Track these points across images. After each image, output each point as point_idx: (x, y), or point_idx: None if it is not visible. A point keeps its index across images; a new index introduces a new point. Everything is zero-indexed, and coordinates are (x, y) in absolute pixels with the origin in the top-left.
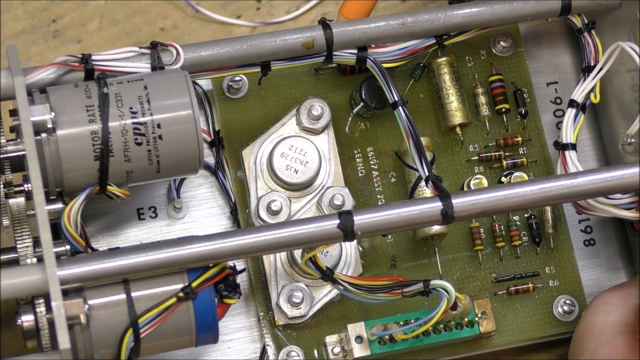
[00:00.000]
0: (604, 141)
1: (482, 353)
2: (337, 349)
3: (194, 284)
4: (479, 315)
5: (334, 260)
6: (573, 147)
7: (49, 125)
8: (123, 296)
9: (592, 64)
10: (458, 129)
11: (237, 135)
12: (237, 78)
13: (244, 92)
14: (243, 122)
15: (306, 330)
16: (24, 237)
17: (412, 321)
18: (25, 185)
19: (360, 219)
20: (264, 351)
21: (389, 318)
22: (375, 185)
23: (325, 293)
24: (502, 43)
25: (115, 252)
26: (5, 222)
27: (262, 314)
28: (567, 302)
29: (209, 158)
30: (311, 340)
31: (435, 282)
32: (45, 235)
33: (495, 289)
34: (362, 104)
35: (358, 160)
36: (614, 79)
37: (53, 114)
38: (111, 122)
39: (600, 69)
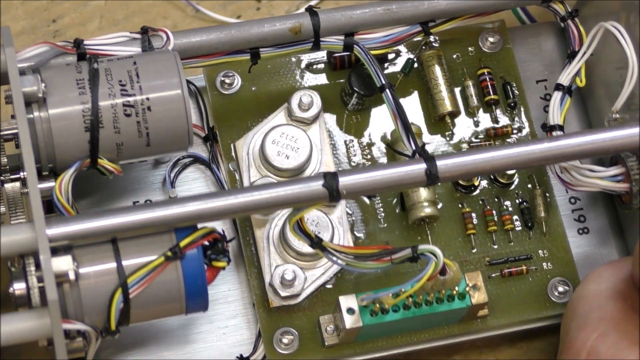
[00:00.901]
0: (592, 125)
1: (478, 338)
2: (330, 328)
3: (181, 244)
4: (470, 286)
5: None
6: (560, 128)
7: (40, 95)
8: (112, 256)
9: (577, 49)
10: (448, 119)
11: (230, 129)
12: (229, 74)
13: (236, 88)
14: (236, 116)
15: (300, 313)
16: (18, 218)
17: (403, 291)
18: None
19: (345, 180)
20: (259, 335)
21: (380, 290)
22: None
23: (318, 275)
24: (490, 39)
25: (103, 211)
26: (2, 208)
27: (255, 297)
28: (562, 282)
29: (204, 153)
30: (305, 322)
31: (423, 247)
32: (34, 191)
33: (489, 271)
34: (355, 94)
35: (350, 150)
36: (599, 65)
37: (44, 85)
38: (101, 94)
39: (585, 52)
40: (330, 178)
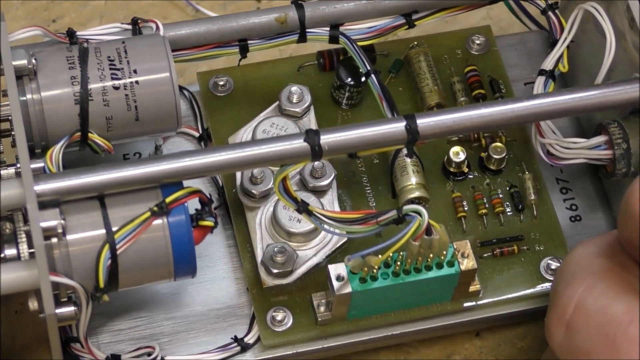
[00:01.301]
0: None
1: (473, 320)
2: (322, 307)
3: (167, 200)
4: (458, 252)
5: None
6: None
7: (29, 67)
8: (99, 212)
9: (558, 37)
10: (436, 110)
11: (223, 129)
12: (223, 77)
13: (229, 90)
14: (229, 117)
15: (293, 294)
16: None
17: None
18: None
19: (327, 137)
20: (253, 317)
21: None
22: (359, 165)
23: (310, 256)
24: (476, 42)
25: (90, 168)
26: None
27: (248, 279)
28: (555, 259)
29: None
30: (298, 302)
31: (408, 207)
32: (22, 146)
33: (481, 252)
34: (344, 87)
35: None
36: (581, 54)
37: (35, 60)
38: (90, 69)
39: (566, 38)
40: (312, 134)
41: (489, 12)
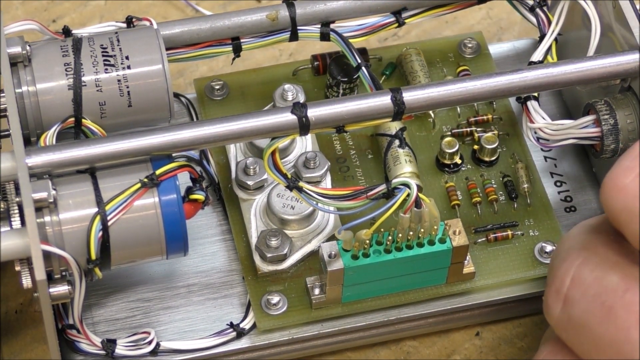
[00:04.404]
0: (568, 106)
1: (468, 305)
2: (317, 289)
3: (157, 172)
4: (449, 230)
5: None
6: (535, 98)
7: (23, 53)
8: (90, 184)
9: (546, 31)
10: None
11: None
12: (219, 82)
13: (225, 94)
14: None
15: (288, 280)
16: None
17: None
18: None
19: (314, 110)
20: (249, 305)
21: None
22: (353, 160)
23: (304, 243)
24: (468, 45)
25: (81, 141)
26: None
27: (243, 267)
28: (548, 242)
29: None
30: (293, 287)
31: (396, 180)
32: (14, 120)
33: (475, 238)
34: (337, 83)
35: (335, 143)
36: (568, 45)
37: (28, 48)
38: (83, 55)
39: (554, 30)
40: (299, 107)
41: (489, 12)
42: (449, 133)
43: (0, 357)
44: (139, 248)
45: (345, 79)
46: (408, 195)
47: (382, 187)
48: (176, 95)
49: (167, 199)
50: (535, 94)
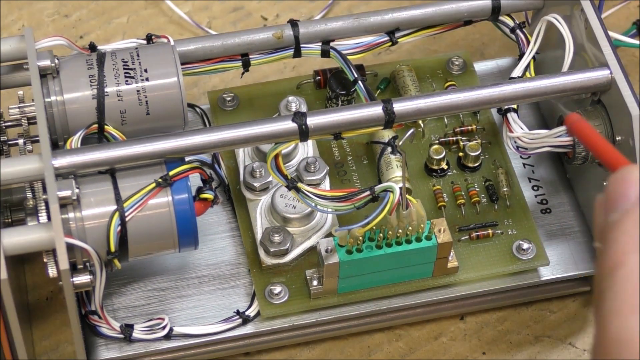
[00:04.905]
0: (546, 121)
1: (453, 297)
2: (315, 281)
3: (170, 173)
4: (435, 228)
5: (311, 219)
6: (514, 110)
7: (52, 65)
8: (110, 184)
9: (525, 50)
10: (420, 121)
11: None
12: (230, 94)
13: (236, 105)
14: None
15: (290, 273)
16: None
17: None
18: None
19: (313, 118)
20: (254, 295)
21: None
22: (350, 165)
23: (305, 239)
24: (455, 63)
25: (102, 145)
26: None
27: (249, 261)
28: (525, 240)
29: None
30: (294, 279)
31: (380, 186)
32: (42, 124)
33: (459, 236)
34: (336, 96)
35: (334, 149)
36: (545, 63)
37: (57, 61)
38: (106, 68)
39: (532, 49)
40: (299, 115)
41: (473, 29)
42: (437, 141)
43: (30, 339)
44: (153, 242)
45: (344, 92)
46: (393, 198)
47: (367, 193)
48: (192, 106)
49: (179, 198)
50: (515, 107)
